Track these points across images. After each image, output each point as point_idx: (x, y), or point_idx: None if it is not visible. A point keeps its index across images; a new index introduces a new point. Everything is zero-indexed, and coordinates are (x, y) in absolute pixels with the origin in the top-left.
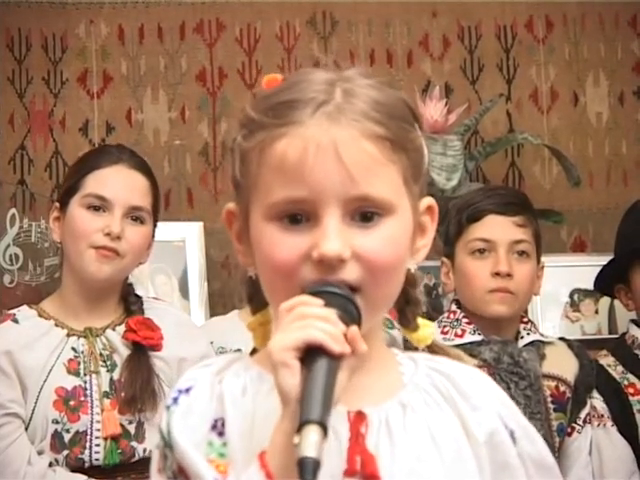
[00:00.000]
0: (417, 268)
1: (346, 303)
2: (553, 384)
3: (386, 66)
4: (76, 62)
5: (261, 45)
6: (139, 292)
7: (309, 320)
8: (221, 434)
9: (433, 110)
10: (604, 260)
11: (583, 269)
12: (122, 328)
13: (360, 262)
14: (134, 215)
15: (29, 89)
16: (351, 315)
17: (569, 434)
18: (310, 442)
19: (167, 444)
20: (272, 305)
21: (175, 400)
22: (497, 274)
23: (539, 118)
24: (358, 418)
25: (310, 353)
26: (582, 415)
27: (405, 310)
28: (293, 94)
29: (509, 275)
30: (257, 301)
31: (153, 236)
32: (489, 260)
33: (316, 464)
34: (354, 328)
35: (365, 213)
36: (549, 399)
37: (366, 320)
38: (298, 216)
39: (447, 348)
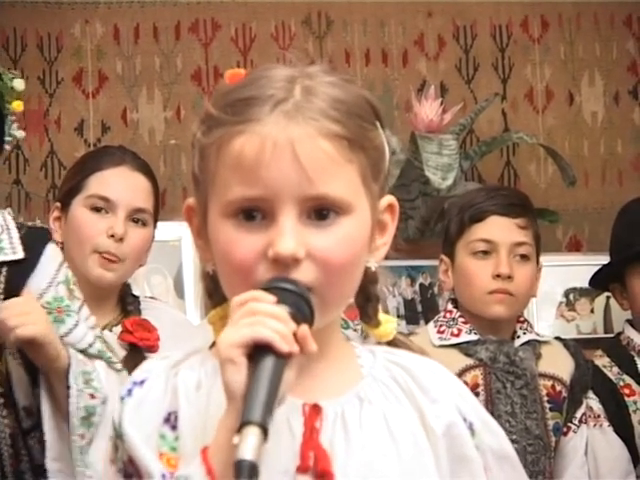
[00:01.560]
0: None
1: (299, 301)
2: (549, 383)
3: (381, 66)
4: (71, 62)
5: (256, 45)
6: (135, 292)
7: (259, 317)
8: (174, 428)
9: (428, 109)
10: (600, 259)
11: (578, 268)
12: (119, 329)
13: (315, 262)
14: (137, 217)
15: (24, 89)
16: (303, 313)
17: (565, 433)
18: (248, 445)
19: (118, 435)
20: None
21: (129, 392)
22: (498, 276)
23: (534, 117)
24: (313, 412)
25: (258, 350)
26: (578, 415)
27: (366, 307)
28: (252, 91)
29: (509, 277)
30: (217, 295)
31: (153, 238)
32: (490, 261)
33: (252, 468)
34: (304, 327)
35: (321, 211)
36: (545, 398)
37: (320, 319)
38: (254, 212)
39: (409, 343)
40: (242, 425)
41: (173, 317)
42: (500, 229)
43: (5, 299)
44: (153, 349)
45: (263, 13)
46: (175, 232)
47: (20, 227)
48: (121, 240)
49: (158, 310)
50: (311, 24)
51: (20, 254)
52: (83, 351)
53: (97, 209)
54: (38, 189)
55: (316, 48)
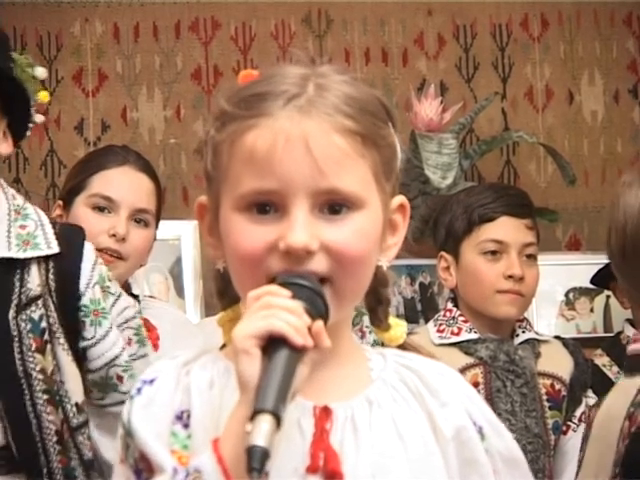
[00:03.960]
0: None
1: (314, 296)
2: (548, 382)
3: (381, 64)
4: (71, 60)
5: (256, 43)
6: (135, 291)
7: (274, 310)
8: (186, 426)
9: (428, 108)
10: (599, 258)
11: (578, 267)
12: None
13: (329, 254)
14: (139, 217)
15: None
16: (318, 309)
17: (564, 432)
18: (261, 431)
19: (128, 433)
20: (241, 296)
21: (139, 390)
22: (510, 277)
23: (534, 116)
24: (324, 414)
25: (272, 343)
26: (577, 413)
27: (377, 310)
28: (265, 87)
29: (521, 278)
30: (228, 296)
31: (155, 239)
32: (501, 262)
33: (265, 453)
34: (319, 322)
35: (334, 206)
36: (544, 397)
37: (334, 312)
38: (267, 207)
39: (419, 347)
40: (255, 413)
41: (173, 316)
42: (511, 230)
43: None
44: (153, 348)
45: (263, 12)
46: (175, 231)
47: (54, 224)
48: (123, 240)
49: (158, 309)
50: (311, 23)
51: (55, 249)
52: (107, 365)
53: (99, 208)
54: (38, 188)
55: (316, 47)
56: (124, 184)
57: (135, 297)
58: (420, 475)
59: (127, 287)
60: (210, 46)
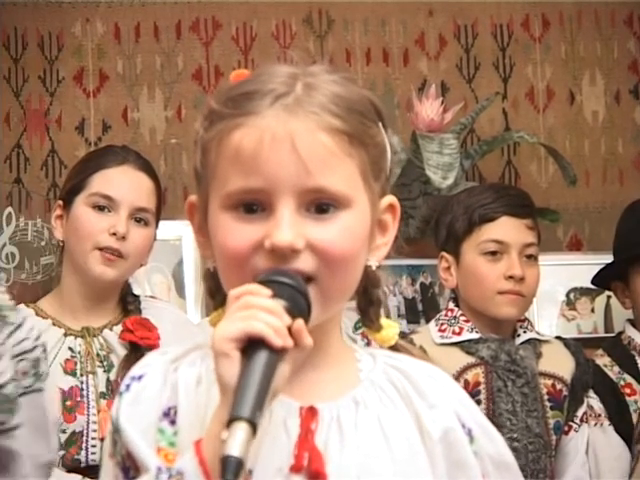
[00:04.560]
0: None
1: (295, 294)
2: (550, 382)
3: (382, 65)
4: (72, 61)
5: (257, 44)
6: (136, 291)
7: (253, 311)
8: (173, 422)
9: (429, 109)
10: (600, 259)
11: (579, 268)
12: (119, 328)
13: (315, 252)
14: (139, 216)
15: (25, 88)
16: (299, 307)
17: (566, 432)
18: (236, 441)
19: (116, 429)
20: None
21: (128, 387)
22: (510, 277)
23: (535, 117)
24: (309, 414)
25: (251, 344)
26: (579, 413)
27: (368, 310)
28: (253, 85)
29: (522, 279)
30: (219, 296)
31: (155, 238)
32: (502, 262)
33: (239, 463)
34: (299, 321)
35: (320, 205)
36: (546, 397)
37: (320, 311)
38: (254, 206)
39: (411, 348)
40: (231, 420)
41: (173, 316)
42: (511, 230)
43: None
44: (154, 348)
45: (264, 12)
46: (176, 231)
47: None
48: (123, 239)
49: (158, 309)
50: (312, 23)
51: None
52: None
53: (99, 207)
54: (39, 188)
55: (317, 47)
56: (124, 183)
57: (136, 297)
58: (405, 476)
59: (128, 288)
60: (211, 46)
